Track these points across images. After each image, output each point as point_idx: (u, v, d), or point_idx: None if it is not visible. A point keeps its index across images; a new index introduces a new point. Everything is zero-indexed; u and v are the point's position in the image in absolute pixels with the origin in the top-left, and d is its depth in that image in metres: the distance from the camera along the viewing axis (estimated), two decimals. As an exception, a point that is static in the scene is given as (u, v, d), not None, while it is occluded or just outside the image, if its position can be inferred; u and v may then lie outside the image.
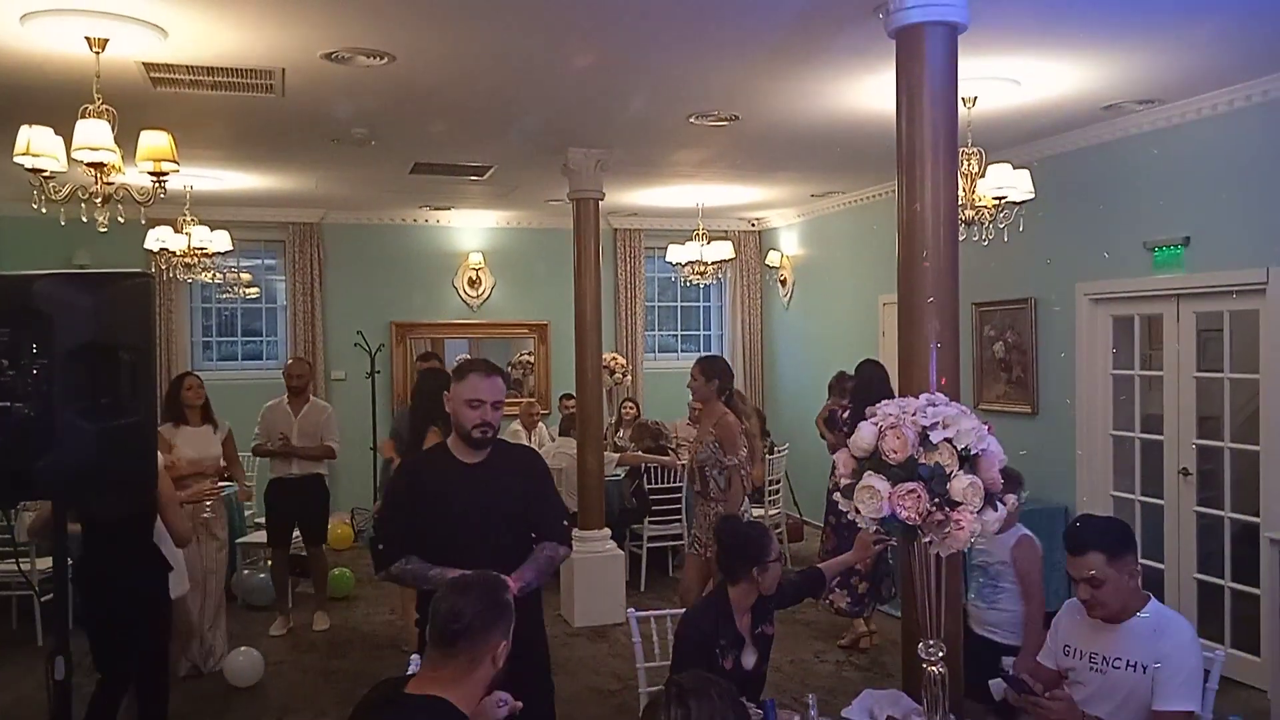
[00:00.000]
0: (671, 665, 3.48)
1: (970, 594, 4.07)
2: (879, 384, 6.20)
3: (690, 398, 9.78)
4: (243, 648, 5.85)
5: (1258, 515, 5.54)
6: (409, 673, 2.61)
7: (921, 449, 2.43)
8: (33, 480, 2.86)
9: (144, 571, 4.37)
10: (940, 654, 2.59)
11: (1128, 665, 2.97)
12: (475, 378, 3.33)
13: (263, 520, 7.38)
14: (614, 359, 9.71)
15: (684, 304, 11.72)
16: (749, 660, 3.45)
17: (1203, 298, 5.90)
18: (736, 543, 3.56)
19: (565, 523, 3.56)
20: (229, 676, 5.70)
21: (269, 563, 7.39)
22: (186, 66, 4.99)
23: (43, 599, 6.23)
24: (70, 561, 3.58)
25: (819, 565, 4.09)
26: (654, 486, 7.98)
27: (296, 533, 6.99)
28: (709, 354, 7.50)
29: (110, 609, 4.31)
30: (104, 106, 4.46)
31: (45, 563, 6.12)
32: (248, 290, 10.00)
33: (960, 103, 3.91)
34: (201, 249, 7.75)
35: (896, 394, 3.29)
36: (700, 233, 9.31)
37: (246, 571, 7.54)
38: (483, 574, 2.60)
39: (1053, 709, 2.86)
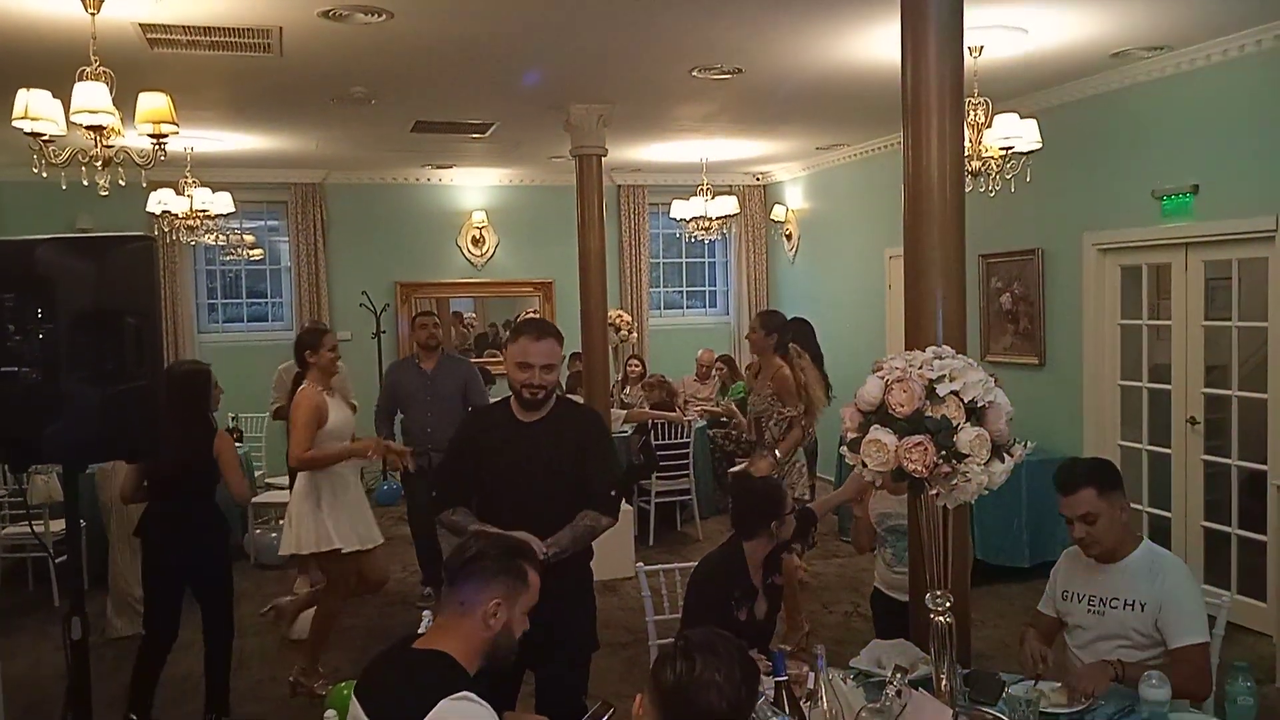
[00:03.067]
0: (684, 618, 3.51)
1: (889, 556, 4.07)
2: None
3: (697, 354, 9.87)
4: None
5: (1265, 463, 5.55)
6: (420, 629, 2.63)
7: (928, 402, 2.43)
8: (40, 446, 2.88)
9: (206, 528, 4.58)
10: (947, 604, 2.60)
11: (1125, 604, 3.02)
12: (525, 340, 3.35)
13: (273, 481, 7.42)
14: (619, 316, 9.70)
15: (689, 260, 11.68)
16: (761, 610, 3.51)
17: (1211, 246, 5.86)
18: (753, 500, 3.59)
19: (614, 493, 3.47)
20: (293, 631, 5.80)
21: (281, 522, 7.43)
22: (183, 26, 4.94)
23: (57, 560, 6.30)
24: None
25: (809, 505, 4.13)
26: (661, 443, 8.00)
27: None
28: (769, 309, 7.57)
29: (171, 566, 4.51)
30: (101, 69, 4.42)
31: (58, 525, 6.18)
32: (251, 252, 9.99)
33: (966, 52, 3.86)
34: (204, 211, 7.73)
35: (889, 349, 3.28)
36: (704, 188, 9.25)
37: (259, 531, 7.61)
38: (512, 534, 2.63)
39: (1081, 675, 2.87)
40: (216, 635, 4.67)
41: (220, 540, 4.71)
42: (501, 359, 3.55)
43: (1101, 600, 3.08)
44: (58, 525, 6.26)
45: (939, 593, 2.61)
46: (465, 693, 2.19)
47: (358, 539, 5.09)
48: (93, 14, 4.44)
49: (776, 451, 5.48)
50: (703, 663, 1.93)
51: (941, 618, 2.60)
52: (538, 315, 10.67)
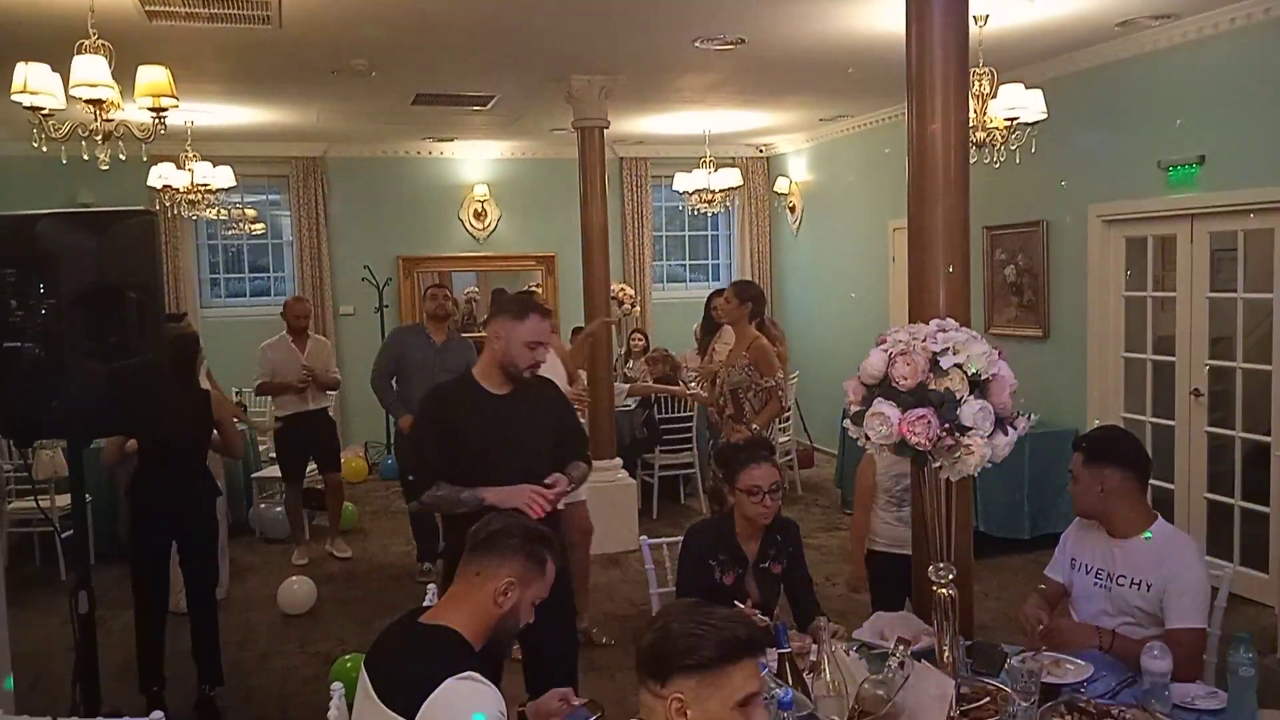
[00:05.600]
0: (676, 578, 3.54)
1: (900, 513, 4.09)
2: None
3: (694, 328, 9.84)
4: (295, 577, 6.03)
5: (1269, 435, 5.54)
6: (425, 603, 2.64)
7: (932, 375, 2.42)
8: (45, 420, 2.88)
9: (199, 493, 4.67)
10: (950, 576, 2.61)
11: (1132, 583, 3.01)
12: (536, 319, 3.43)
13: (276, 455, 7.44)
14: (622, 290, 9.68)
15: (692, 233, 11.64)
16: (751, 588, 3.41)
17: (1217, 217, 5.82)
18: (721, 461, 3.61)
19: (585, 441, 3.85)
20: (283, 605, 5.86)
21: (284, 497, 7.49)
22: (182, -2, 4.90)
23: (63, 535, 6.33)
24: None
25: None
26: (664, 416, 8.02)
27: (311, 467, 7.07)
28: (743, 278, 7.44)
29: (162, 529, 4.57)
30: (100, 42, 4.40)
31: (65, 499, 6.20)
32: (253, 226, 9.96)
33: (971, 21, 3.81)
34: (204, 185, 7.71)
35: (892, 322, 3.26)
36: (707, 160, 9.21)
37: (263, 505, 7.64)
38: (537, 524, 2.62)
39: (1065, 628, 2.90)
40: (204, 605, 4.71)
41: (213, 504, 4.81)
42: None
43: (1109, 575, 3.07)
44: (64, 500, 6.28)
45: (942, 565, 2.61)
46: (471, 672, 2.18)
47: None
48: (90, -14, 4.41)
49: (754, 425, 5.35)
50: (663, 630, 1.89)
51: (944, 590, 2.61)
52: (539, 289, 10.65)
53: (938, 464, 2.45)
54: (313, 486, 7.34)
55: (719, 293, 7.38)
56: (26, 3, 4.81)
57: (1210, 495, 5.98)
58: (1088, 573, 3.15)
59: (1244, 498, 5.78)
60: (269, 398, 7.35)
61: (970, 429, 2.39)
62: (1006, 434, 2.46)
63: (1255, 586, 5.55)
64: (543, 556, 2.45)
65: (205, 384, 5.47)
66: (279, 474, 7.31)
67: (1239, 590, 5.10)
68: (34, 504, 6.46)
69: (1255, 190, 5.48)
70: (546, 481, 3.32)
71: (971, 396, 2.41)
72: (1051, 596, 3.27)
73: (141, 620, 4.58)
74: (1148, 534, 3.04)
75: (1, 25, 5.09)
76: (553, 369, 5.15)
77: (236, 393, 8.67)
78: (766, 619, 2.93)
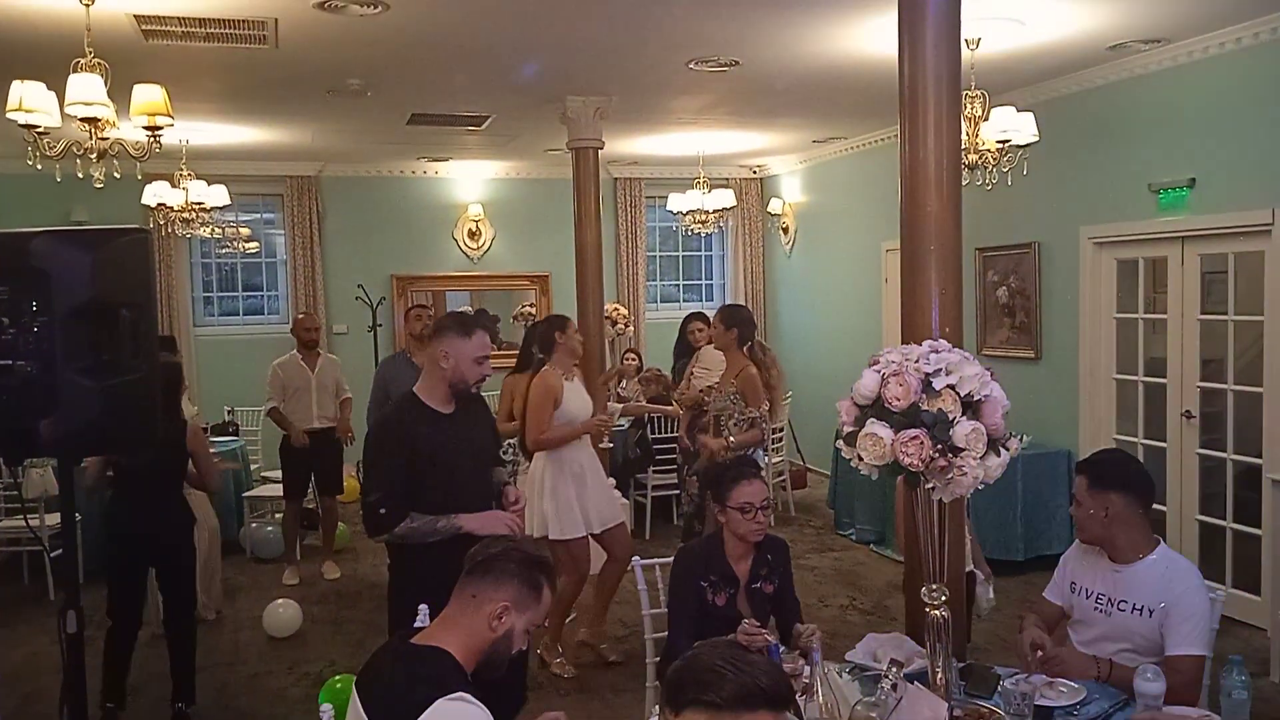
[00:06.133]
0: (667, 601, 3.53)
1: None
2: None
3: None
4: (280, 600, 5.96)
5: (1260, 457, 5.55)
6: (417, 623, 2.63)
7: (924, 395, 2.43)
8: (36, 439, 2.87)
9: (175, 521, 4.67)
10: (943, 598, 2.61)
11: (1133, 609, 2.99)
12: (482, 335, 3.51)
13: (269, 475, 7.43)
14: (616, 309, 9.68)
15: (685, 253, 11.66)
16: (745, 608, 3.40)
17: (1208, 239, 5.86)
18: (709, 481, 3.60)
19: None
20: (269, 628, 5.80)
21: (278, 515, 7.46)
22: (178, 18, 4.92)
23: (53, 554, 6.29)
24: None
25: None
26: (657, 436, 8.01)
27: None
28: (732, 303, 7.42)
29: (137, 556, 4.58)
30: (96, 60, 4.41)
31: (54, 518, 6.17)
32: (247, 245, 9.97)
33: (963, 44, 3.85)
34: (199, 204, 7.72)
35: (885, 342, 3.27)
36: (701, 181, 9.24)
37: (254, 525, 7.60)
38: (537, 550, 2.59)
39: (1063, 657, 2.89)
40: (182, 624, 4.71)
41: (190, 528, 4.80)
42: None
43: (1110, 600, 3.05)
44: (53, 519, 6.25)
45: (934, 586, 2.61)
46: (461, 693, 2.17)
47: (599, 521, 5.16)
48: (87, 5, 4.42)
49: (731, 438, 5.31)
50: (700, 649, 1.87)
51: (937, 611, 2.61)
52: (532, 309, 10.65)
53: (930, 485, 2.45)
54: (306, 506, 7.31)
55: (696, 315, 7.42)
56: (24, 21, 4.82)
57: (1202, 517, 5.99)
58: (1088, 597, 3.13)
59: (1236, 520, 5.78)
60: (265, 417, 7.33)
61: (963, 450, 2.39)
62: (999, 455, 2.47)
63: (1247, 609, 5.54)
64: (539, 583, 2.43)
65: (187, 412, 5.48)
66: (270, 494, 7.29)
67: (1231, 612, 5.10)
68: (23, 522, 6.43)
69: (1245, 213, 5.52)
70: (510, 501, 3.55)
71: (964, 417, 2.41)
72: (1049, 619, 3.25)
73: (109, 639, 4.57)
74: (1153, 557, 3.02)
75: (0, 44, 5.11)
76: (581, 397, 5.20)
77: (229, 411, 8.64)
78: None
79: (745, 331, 5.56)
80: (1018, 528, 6.60)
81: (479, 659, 2.35)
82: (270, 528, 7.52)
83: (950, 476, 2.41)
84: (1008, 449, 2.48)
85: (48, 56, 4.67)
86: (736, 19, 5.21)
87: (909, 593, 3.47)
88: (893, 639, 3.21)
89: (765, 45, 5.73)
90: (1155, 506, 5.97)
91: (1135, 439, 6.41)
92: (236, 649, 5.67)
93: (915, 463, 2.38)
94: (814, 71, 6.36)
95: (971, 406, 2.44)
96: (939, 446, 2.38)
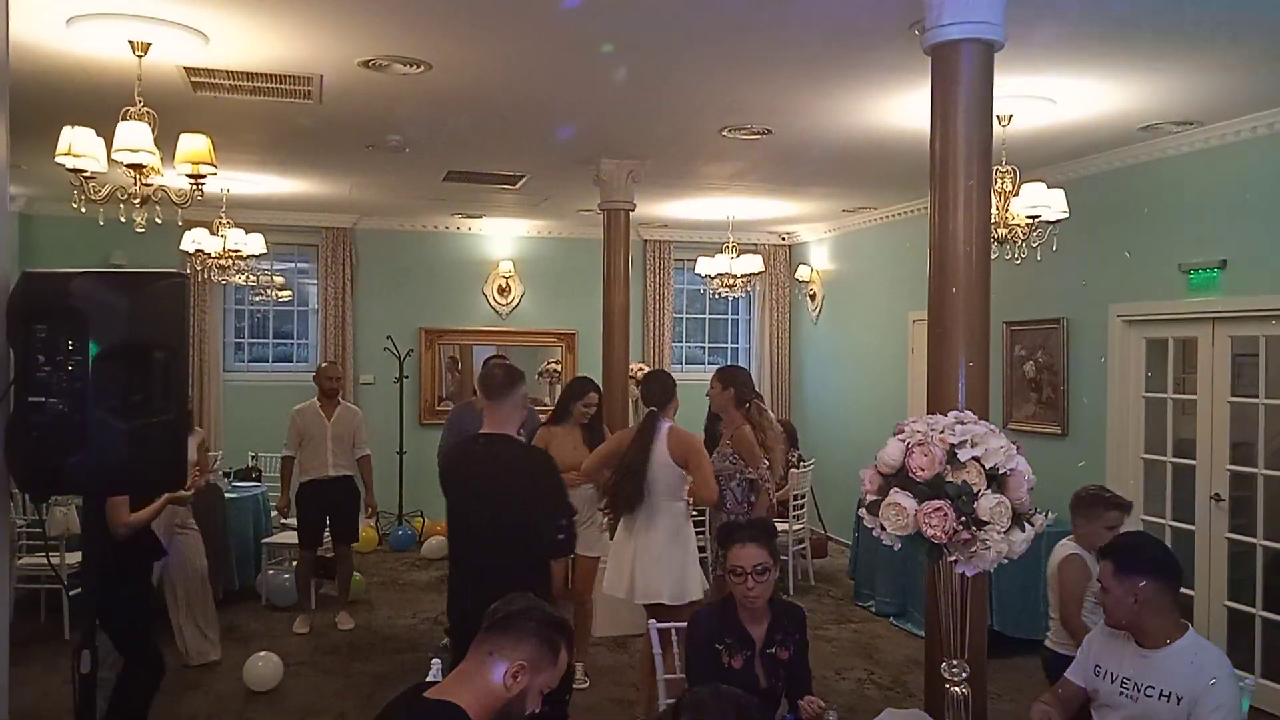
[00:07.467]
0: (684, 665, 3.49)
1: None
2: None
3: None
4: (262, 653, 5.85)
5: (1291, 544, 5.46)
6: (429, 677, 2.61)
7: (949, 467, 2.42)
8: (63, 476, 2.89)
9: (147, 559, 4.70)
10: (964, 675, 2.57)
11: (1160, 695, 2.93)
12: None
13: (288, 522, 7.44)
14: (640, 369, 9.69)
15: (712, 316, 11.71)
16: (761, 673, 3.36)
17: (1238, 321, 5.82)
18: (719, 539, 3.59)
19: None
20: (248, 681, 5.71)
21: (294, 563, 7.45)
22: (227, 71, 5.05)
23: (71, 593, 6.29)
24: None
25: None
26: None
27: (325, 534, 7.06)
28: (730, 365, 7.43)
29: (127, 597, 4.48)
30: (145, 109, 4.52)
31: (74, 557, 6.19)
32: (280, 293, 10.11)
33: (995, 120, 3.89)
34: (236, 251, 7.84)
35: (910, 413, 3.25)
36: (730, 245, 9.30)
37: (271, 571, 7.59)
38: (557, 612, 2.56)
39: None
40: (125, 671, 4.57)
41: (116, 579, 4.39)
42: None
43: (1136, 685, 2.99)
44: (73, 558, 6.27)
45: (955, 662, 2.57)
46: None
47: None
48: (140, 56, 4.56)
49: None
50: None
51: (957, 688, 2.56)
52: (558, 366, 10.69)
53: (953, 558, 2.43)
54: (323, 555, 7.29)
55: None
56: (78, 68, 4.97)
57: (1231, 603, 5.86)
58: (1114, 681, 3.07)
59: (1265, 607, 5.65)
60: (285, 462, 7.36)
61: (987, 523, 2.37)
62: (1024, 530, 2.44)
63: (1277, 699, 5.40)
64: (557, 644, 2.41)
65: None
66: (288, 540, 7.29)
67: (1261, 704, 4.97)
68: (44, 559, 6.45)
69: (1276, 296, 5.49)
70: None
71: (989, 490, 2.40)
72: (1068, 701, 3.19)
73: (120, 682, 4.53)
74: (1182, 643, 2.97)
75: (53, 89, 5.25)
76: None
77: (252, 457, 8.71)
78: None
79: (742, 392, 5.56)
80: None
81: (491, 717, 2.32)
82: (286, 575, 7.51)
83: (974, 550, 2.39)
84: (1033, 524, 2.46)
85: (99, 103, 4.80)
86: (771, 88, 5.29)
87: (929, 668, 3.42)
88: (911, 715, 3.15)
89: (798, 115, 5.81)
90: (1184, 591, 5.91)
91: (1163, 520, 6.31)
92: (244, 698, 5.62)
93: (939, 534, 2.36)
94: (845, 142, 6.43)
95: (997, 480, 2.43)
96: (963, 519, 2.37)
